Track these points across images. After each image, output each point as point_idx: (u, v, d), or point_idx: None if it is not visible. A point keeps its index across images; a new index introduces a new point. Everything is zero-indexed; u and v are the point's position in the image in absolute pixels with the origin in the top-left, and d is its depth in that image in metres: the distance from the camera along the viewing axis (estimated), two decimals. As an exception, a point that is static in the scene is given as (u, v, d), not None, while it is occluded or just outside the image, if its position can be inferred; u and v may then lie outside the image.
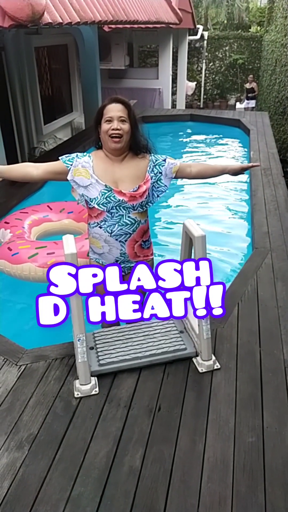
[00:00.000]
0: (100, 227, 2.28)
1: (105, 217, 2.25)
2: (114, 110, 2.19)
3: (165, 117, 9.17)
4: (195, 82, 15.73)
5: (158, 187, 2.32)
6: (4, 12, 3.30)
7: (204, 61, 16.19)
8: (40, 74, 8.07)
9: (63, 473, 1.84)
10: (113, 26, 7.23)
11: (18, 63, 7.16)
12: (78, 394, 2.22)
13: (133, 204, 2.23)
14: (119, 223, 2.25)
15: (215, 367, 2.40)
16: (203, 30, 15.20)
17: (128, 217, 2.25)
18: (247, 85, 14.01)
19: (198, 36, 14.41)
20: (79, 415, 2.11)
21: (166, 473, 1.84)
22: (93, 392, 2.23)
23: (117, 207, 2.22)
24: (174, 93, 13.07)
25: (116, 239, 2.29)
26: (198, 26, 14.27)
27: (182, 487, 1.79)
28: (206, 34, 15.43)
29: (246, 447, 1.96)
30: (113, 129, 2.15)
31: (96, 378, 2.30)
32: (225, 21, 19.22)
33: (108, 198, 2.21)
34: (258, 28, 17.56)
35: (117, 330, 2.62)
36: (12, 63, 6.98)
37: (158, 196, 2.36)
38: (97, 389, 2.25)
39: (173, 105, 13.07)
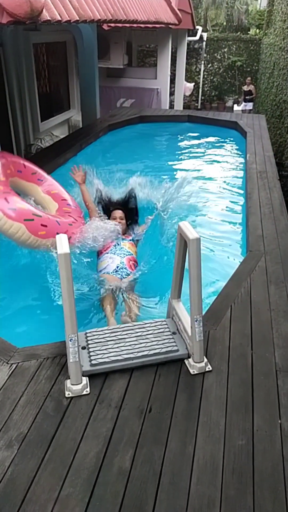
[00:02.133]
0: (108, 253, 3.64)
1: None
2: (117, 214, 4.09)
3: (162, 117, 9.16)
4: (193, 83, 15.73)
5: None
6: (3, 8, 3.28)
7: (202, 62, 16.20)
8: (38, 71, 8.04)
9: (52, 473, 1.83)
10: (112, 24, 7.21)
11: (16, 59, 7.12)
12: (69, 394, 2.21)
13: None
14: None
15: (207, 369, 2.41)
16: (202, 31, 15.20)
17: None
18: (245, 88, 14.04)
19: (197, 37, 14.42)
20: (69, 415, 2.10)
21: (155, 475, 1.84)
22: (84, 392, 2.22)
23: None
24: (172, 93, 13.06)
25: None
26: (197, 27, 14.28)
27: (171, 489, 1.79)
28: (205, 35, 15.44)
29: (236, 449, 1.97)
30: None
31: (87, 378, 2.30)
32: (225, 23, 19.25)
33: None
34: (257, 30, 17.59)
35: (110, 331, 2.61)
36: (10, 58, 6.94)
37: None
38: (88, 389, 2.24)
39: (171, 106, 13.06)
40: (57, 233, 3.31)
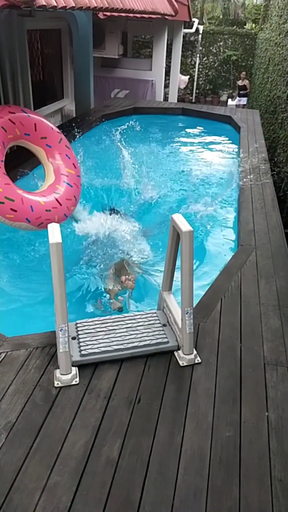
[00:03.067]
0: None
1: None
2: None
3: (156, 109, 9.11)
4: (188, 76, 15.65)
5: None
6: (-3, -9, 3.21)
7: (198, 55, 16.10)
8: (31, 58, 7.91)
9: (40, 462, 1.83)
10: (108, 13, 7.12)
11: (9, 45, 6.99)
12: (58, 384, 2.20)
13: None
14: None
15: (196, 361, 2.42)
16: (199, 23, 15.07)
17: None
18: (240, 82, 14.01)
19: (193, 30, 14.31)
20: (58, 405, 2.10)
21: (143, 465, 1.85)
22: (74, 382, 2.22)
23: None
24: (166, 86, 12.98)
25: None
26: (193, 19, 14.16)
27: (159, 479, 1.80)
28: (201, 28, 15.33)
29: (223, 441, 1.99)
30: None
31: (77, 368, 2.29)
32: (221, 16, 19.11)
33: None
34: (253, 25, 17.53)
35: (100, 322, 2.61)
36: (3, 44, 6.81)
37: None
38: (77, 379, 2.24)
39: (165, 98, 12.99)
40: (27, 219, 3.43)
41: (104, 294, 3.38)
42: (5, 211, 3.41)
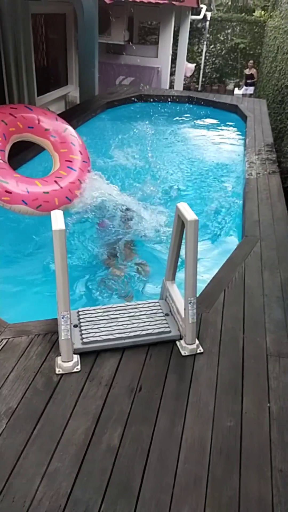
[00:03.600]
0: None
1: None
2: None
3: (162, 97, 9.00)
4: (195, 64, 15.43)
5: None
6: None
7: (205, 42, 15.85)
8: (35, 43, 7.80)
9: (40, 448, 1.83)
10: (114, -2, 6.99)
11: (13, 29, 6.89)
12: (59, 371, 2.20)
13: None
14: None
15: (198, 351, 2.41)
16: (206, 10, 14.80)
17: None
18: (247, 71, 13.81)
19: (201, 16, 14.05)
20: (59, 392, 2.10)
21: (143, 453, 1.85)
22: (75, 370, 2.22)
23: None
24: (172, 73, 12.81)
25: None
26: (201, 5, 13.90)
27: (159, 467, 1.80)
28: (209, 14, 15.05)
29: (224, 431, 1.98)
30: None
31: (78, 356, 2.29)
32: (229, 3, 18.77)
33: None
34: (262, 12, 17.20)
35: (102, 310, 2.60)
36: (7, 29, 6.71)
37: None
38: (79, 366, 2.24)
39: (171, 86, 12.83)
40: (23, 201, 3.50)
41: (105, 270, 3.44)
42: (1, 194, 3.46)
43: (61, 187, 3.82)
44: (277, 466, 1.85)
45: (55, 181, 3.86)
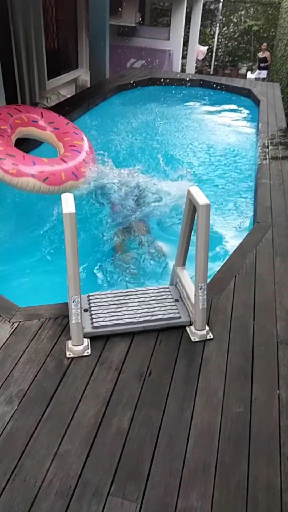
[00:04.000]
0: None
1: None
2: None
3: (173, 80, 8.86)
4: (207, 47, 15.12)
5: None
6: None
7: (218, 24, 15.50)
8: (46, 25, 7.68)
9: (51, 430, 1.85)
10: (126, -23, 6.83)
11: (24, 10, 6.78)
12: (70, 354, 2.21)
13: None
14: None
15: (208, 337, 2.40)
16: (220, -9, 14.46)
17: None
18: (260, 54, 13.51)
19: (214, -3, 13.74)
20: (70, 375, 2.11)
21: (152, 437, 1.86)
22: (85, 353, 2.23)
23: None
24: (184, 56, 12.57)
25: None
26: (214, -14, 13.58)
27: (168, 451, 1.81)
28: (222, -5, 14.71)
29: (233, 417, 1.98)
30: None
31: (89, 340, 2.30)
32: (243, -17, 18.28)
33: None
34: (277, -7, 16.74)
35: (112, 295, 2.60)
36: (17, 10, 6.61)
37: None
38: (89, 350, 2.25)
39: (183, 69, 12.61)
40: (30, 173, 3.57)
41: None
42: (8, 167, 3.53)
43: (66, 162, 3.91)
44: (286, 452, 1.85)
45: (62, 159, 3.98)
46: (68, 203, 2.06)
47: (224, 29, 16.06)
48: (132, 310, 2.47)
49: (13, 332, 2.33)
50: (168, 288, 2.70)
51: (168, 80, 8.78)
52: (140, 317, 2.42)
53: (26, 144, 4.70)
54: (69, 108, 6.32)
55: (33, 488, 1.64)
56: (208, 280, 2.72)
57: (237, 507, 1.64)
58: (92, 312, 2.43)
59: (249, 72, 14.58)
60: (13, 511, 1.56)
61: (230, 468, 1.77)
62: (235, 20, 15.94)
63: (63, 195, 2.14)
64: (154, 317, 2.43)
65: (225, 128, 6.93)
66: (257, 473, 1.77)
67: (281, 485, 1.73)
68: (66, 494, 1.63)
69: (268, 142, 5.72)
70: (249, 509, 1.64)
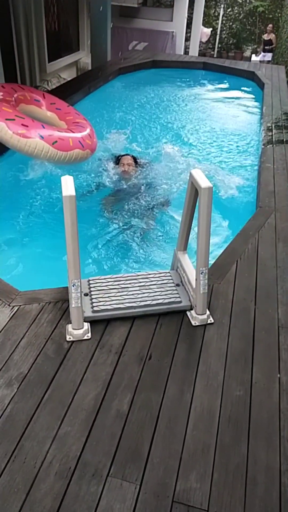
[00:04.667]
0: None
1: None
2: (125, 160, 4.22)
3: (176, 63, 8.70)
4: (211, 29, 14.79)
5: None
6: None
7: (222, 5, 15.15)
8: (46, 6, 7.52)
9: (50, 412, 1.86)
10: None
11: (23, -10, 6.64)
12: (70, 338, 2.21)
13: None
14: None
15: (209, 322, 2.39)
16: None
17: None
18: (265, 36, 13.23)
19: (219, -23, 13.39)
20: (70, 358, 2.11)
21: (152, 419, 1.87)
22: (85, 337, 2.22)
23: None
24: (187, 38, 12.32)
25: None
26: None
27: (168, 433, 1.82)
28: (227, -25, 14.34)
29: (233, 400, 1.98)
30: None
31: (89, 324, 2.29)
32: None
33: None
34: (284, -28, 16.30)
35: (113, 279, 2.58)
36: (17, -10, 6.47)
37: None
38: (89, 334, 2.24)
39: (186, 52, 12.37)
40: (39, 134, 3.59)
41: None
42: (17, 127, 3.49)
43: (74, 133, 3.95)
44: (285, 435, 1.85)
45: (68, 128, 4.07)
46: (68, 185, 2.03)
47: (229, 10, 15.70)
48: (132, 294, 2.46)
49: (13, 316, 2.33)
50: (169, 272, 2.69)
51: (171, 63, 8.62)
52: (140, 301, 2.41)
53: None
54: (70, 91, 6.23)
55: (33, 469, 1.65)
56: (209, 265, 2.71)
57: (236, 488, 1.65)
58: (92, 296, 2.42)
59: (253, 55, 14.29)
60: (13, 492, 1.57)
61: (229, 450, 1.78)
62: (240, 1, 15.56)
63: (63, 178, 2.11)
64: (154, 302, 2.41)
65: (228, 111, 6.83)
66: (256, 455, 1.77)
67: (280, 467, 1.74)
68: (66, 475, 1.64)
69: (272, 126, 5.63)
70: (248, 491, 1.65)
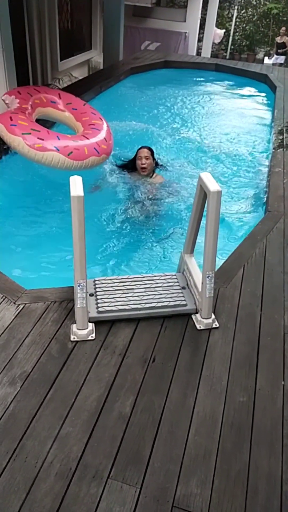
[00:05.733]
0: None
1: None
2: (142, 153, 4.06)
3: (188, 64, 8.67)
4: (224, 30, 14.73)
5: None
6: None
7: (236, 7, 15.08)
8: (59, 4, 7.53)
9: (53, 412, 1.86)
10: None
11: (37, -12, 6.66)
12: (74, 338, 2.21)
13: None
14: None
15: (214, 326, 2.38)
16: (239, -29, 14.04)
17: None
18: (278, 39, 13.16)
19: (233, -22, 13.34)
20: (73, 358, 2.11)
21: (154, 423, 1.86)
22: (90, 338, 2.22)
23: None
24: (200, 39, 12.28)
25: None
26: None
27: (169, 437, 1.81)
28: (242, -24, 14.28)
29: (237, 405, 1.97)
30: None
31: (93, 324, 2.29)
32: None
33: None
34: (299, -25, 16.18)
35: (118, 280, 2.58)
36: (31, -12, 6.49)
37: None
38: (93, 335, 2.24)
39: (198, 53, 12.33)
40: (55, 147, 3.62)
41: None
42: (33, 141, 3.57)
43: (88, 138, 3.97)
44: (288, 443, 1.84)
45: (82, 135, 4.06)
46: (76, 185, 2.03)
47: (243, 11, 15.63)
48: (138, 296, 2.45)
49: (18, 314, 2.33)
50: (175, 275, 2.68)
51: (183, 64, 8.59)
52: (145, 303, 2.40)
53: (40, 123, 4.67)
54: (81, 90, 6.23)
55: (34, 469, 1.65)
56: (216, 268, 2.69)
57: (237, 495, 1.64)
58: (98, 297, 2.41)
59: (266, 57, 14.21)
60: (13, 491, 1.58)
61: (231, 456, 1.77)
62: (254, 3, 15.49)
63: (71, 178, 2.11)
64: (159, 304, 2.41)
65: (240, 114, 6.79)
66: (258, 462, 1.76)
67: (282, 475, 1.72)
68: (66, 476, 1.64)
69: (283, 130, 5.60)
70: (249, 498, 1.64)
